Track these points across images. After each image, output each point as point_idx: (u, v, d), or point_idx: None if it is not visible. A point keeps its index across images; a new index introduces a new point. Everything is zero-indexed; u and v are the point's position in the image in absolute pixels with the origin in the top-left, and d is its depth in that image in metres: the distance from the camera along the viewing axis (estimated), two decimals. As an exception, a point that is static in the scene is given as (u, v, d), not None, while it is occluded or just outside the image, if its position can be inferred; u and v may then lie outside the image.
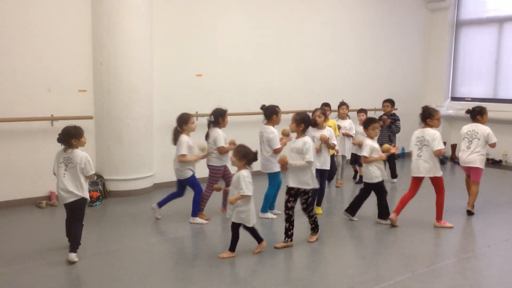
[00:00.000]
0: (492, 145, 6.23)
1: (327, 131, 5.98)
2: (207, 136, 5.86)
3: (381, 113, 8.42)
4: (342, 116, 7.77)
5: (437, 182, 5.75)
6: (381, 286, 4.07)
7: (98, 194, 6.56)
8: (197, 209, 5.78)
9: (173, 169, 5.78)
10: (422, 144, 5.71)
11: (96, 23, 6.67)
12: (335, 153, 6.86)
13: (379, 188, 5.81)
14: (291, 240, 5.04)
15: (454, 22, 11.06)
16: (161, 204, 5.86)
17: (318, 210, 6.17)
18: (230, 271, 4.45)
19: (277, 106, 5.94)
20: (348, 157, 7.94)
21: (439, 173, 5.70)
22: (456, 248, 5.18)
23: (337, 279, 4.22)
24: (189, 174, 5.67)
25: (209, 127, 5.87)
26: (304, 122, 5.00)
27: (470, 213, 6.28)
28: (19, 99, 6.25)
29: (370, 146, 5.72)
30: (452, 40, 11.12)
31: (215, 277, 4.26)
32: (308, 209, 5.10)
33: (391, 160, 8.05)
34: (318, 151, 5.74)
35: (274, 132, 5.78)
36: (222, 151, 5.75)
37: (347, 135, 7.59)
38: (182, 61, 7.56)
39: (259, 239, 4.85)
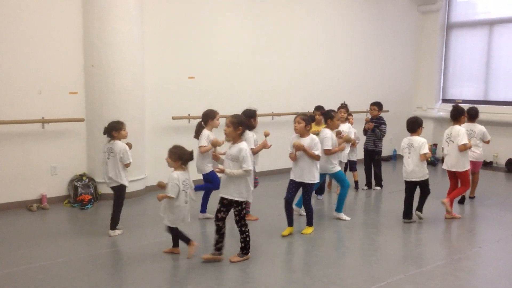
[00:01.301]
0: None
1: (309, 139, 5.32)
2: None
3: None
4: (340, 120, 7.29)
5: (462, 176, 6.24)
6: (374, 288, 4.09)
7: (90, 197, 6.53)
8: (206, 205, 5.92)
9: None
10: (449, 140, 6.27)
11: (87, 25, 6.64)
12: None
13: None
14: (220, 254, 4.62)
15: (445, 24, 11.15)
16: (204, 209, 5.98)
17: (308, 230, 5.51)
18: (219, 275, 4.44)
19: (334, 110, 6.26)
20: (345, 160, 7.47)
21: (464, 168, 6.19)
22: (448, 249, 5.20)
23: (329, 281, 4.23)
24: (209, 169, 5.80)
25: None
26: (242, 125, 4.59)
27: (472, 198, 7.12)
28: (10, 102, 6.21)
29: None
30: (443, 42, 11.20)
31: (208, 278, 4.25)
32: (239, 222, 4.60)
33: (376, 167, 7.73)
34: (293, 159, 5.36)
35: (327, 133, 5.89)
36: (253, 152, 5.67)
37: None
38: (174, 63, 7.54)
39: (187, 241, 4.68)
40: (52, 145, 6.60)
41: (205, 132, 5.80)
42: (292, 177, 5.42)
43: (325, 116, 6.14)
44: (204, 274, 4.33)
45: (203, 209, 6.03)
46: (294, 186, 5.41)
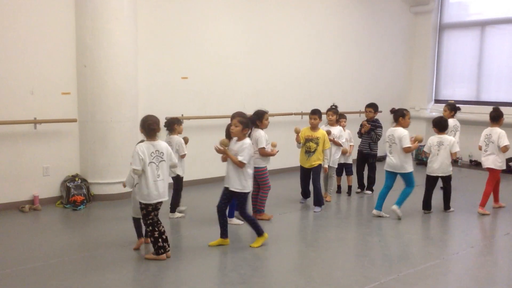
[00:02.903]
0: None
1: (239, 144, 4.94)
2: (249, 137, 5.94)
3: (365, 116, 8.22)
4: (330, 123, 7.09)
5: (494, 174, 6.58)
6: (367, 288, 4.10)
7: (83, 198, 6.50)
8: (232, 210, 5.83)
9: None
10: (489, 141, 6.55)
11: (80, 25, 6.61)
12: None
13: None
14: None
15: (437, 25, 11.21)
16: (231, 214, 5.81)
17: (256, 243, 5.07)
18: (206, 274, 4.43)
19: (406, 109, 6.28)
20: (335, 166, 7.09)
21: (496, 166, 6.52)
22: (440, 249, 5.22)
23: (323, 282, 4.24)
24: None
25: (251, 128, 5.91)
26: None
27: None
28: (2, 102, 6.16)
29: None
30: (435, 43, 11.26)
31: (202, 282, 4.25)
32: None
33: (371, 170, 7.49)
34: (223, 161, 5.10)
35: (404, 132, 6.05)
36: (262, 153, 5.80)
37: (335, 143, 6.89)
38: (168, 64, 7.53)
39: (138, 234, 4.95)
40: (45, 145, 6.56)
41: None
42: (224, 183, 5.07)
43: (396, 114, 6.18)
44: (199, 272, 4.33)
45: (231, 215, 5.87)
46: (225, 193, 5.02)
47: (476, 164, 10.02)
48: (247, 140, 4.91)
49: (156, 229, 4.62)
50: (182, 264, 4.63)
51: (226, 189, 4.99)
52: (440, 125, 6.48)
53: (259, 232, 5.08)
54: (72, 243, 5.19)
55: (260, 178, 5.90)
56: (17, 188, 6.39)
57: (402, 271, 4.46)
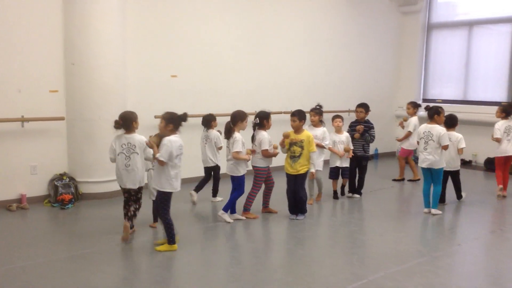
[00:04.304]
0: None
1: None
2: (253, 138, 6.04)
3: (354, 115, 7.90)
4: (312, 124, 6.73)
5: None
6: (355, 285, 4.12)
7: (71, 196, 6.46)
8: (230, 206, 5.88)
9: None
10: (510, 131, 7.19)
11: (68, 23, 6.56)
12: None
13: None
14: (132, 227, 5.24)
15: (426, 25, 11.28)
16: (227, 208, 5.87)
17: (163, 246, 4.89)
18: (196, 272, 4.44)
19: (440, 107, 6.38)
20: (320, 168, 6.71)
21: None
22: (428, 247, 5.27)
23: (312, 280, 4.26)
24: (241, 172, 5.84)
25: (254, 129, 6.05)
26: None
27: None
28: (-12, 100, 6.11)
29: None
30: (423, 42, 11.34)
31: (190, 278, 4.24)
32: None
33: (363, 173, 7.24)
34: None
35: (444, 130, 6.22)
36: (265, 155, 5.89)
37: (318, 146, 6.43)
38: (157, 62, 7.50)
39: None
40: (32, 144, 6.50)
41: (239, 136, 5.82)
42: None
43: (431, 111, 6.29)
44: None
45: (233, 210, 6.00)
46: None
47: (464, 163, 10.12)
48: (168, 137, 4.76)
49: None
50: (169, 262, 4.63)
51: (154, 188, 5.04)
52: (450, 121, 6.68)
53: (170, 240, 4.86)
54: (60, 242, 5.16)
55: (257, 177, 6.01)
56: (4, 187, 6.33)
57: (390, 269, 4.50)
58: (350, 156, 6.89)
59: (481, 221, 6.31)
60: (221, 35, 8.21)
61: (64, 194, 6.43)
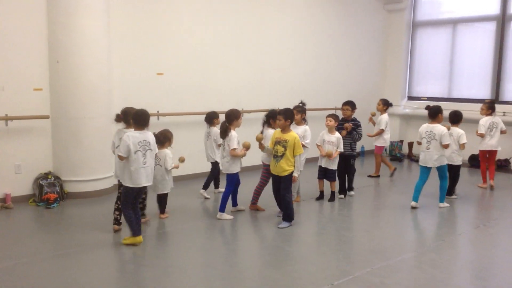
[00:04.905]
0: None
1: None
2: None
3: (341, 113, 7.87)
4: (296, 122, 6.41)
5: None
6: (341, 281, 4.15)
7: (56, 195, 6.40)
8: (224, 205, 5.91)
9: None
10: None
11: (52, 20, 6.50)
12: None
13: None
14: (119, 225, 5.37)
15: (411, 23, 11.38)
16: (223, 208, 5.92)
17: (128, 239, 4.97)
18: (185, 270, 4.44)
19: (439, 106, 6.50)
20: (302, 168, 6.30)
21: None
22: (413, 243, 5.33)
23: (299, 276, 4.28)
24: (236, 170, 5.88)
25: (263, 127, 6.14)
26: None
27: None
28: (-29, 98, 6.03)
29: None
30: (408, 40, 11.44)
31: (177, 277, 4.24)
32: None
33: (351, 173, 7.14)
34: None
35: (445, 129, 6.38)
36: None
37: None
38: (142, 60, 7.46)
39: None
40: (16, 142, 6.43)
41: (235, 134, 5.85)
42: None
43: (434, 111, 6.40)
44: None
45: (234, 203, 6.23)
46: None
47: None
48: (128, 133, 4.87)
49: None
50: (156, 261, 4.62)
51: None
52: (454, 118, 6.97)
53: (133, 232, 4.93)
54: (45, 242, 5.12)
55: (264, 173, 6.16)
56: (-12, 186, 6.26)
57: (376, 265, 4.54)
58: (332, 159, 6.64)
59: (465, 217, 6.40)
60: (207, 33, 8.19)
61: (49, 193, 6.37)
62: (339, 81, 10.46)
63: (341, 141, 6.75)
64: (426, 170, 6.51)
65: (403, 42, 11.37)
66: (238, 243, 5.16)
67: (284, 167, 5.57)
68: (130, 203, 4.89)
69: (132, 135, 4.78)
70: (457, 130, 6.88)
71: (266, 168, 6.14)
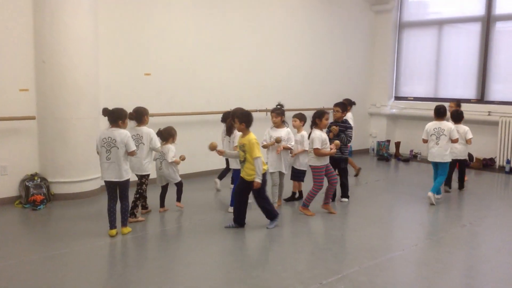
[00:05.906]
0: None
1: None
2: (309, 137, 6.21)
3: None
4: (275, 125, 6.37)
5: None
6: (330, 280, 4.17)
7: (42, 197, 6.34)
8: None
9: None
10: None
11: (39, 20, 6.44)
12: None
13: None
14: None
15: (397, 23, 11.47)
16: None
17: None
18: (179, 270, 4.42)
19: (445, 106, 6.88)
20: (286, 172, 6.52)
21: None
22: (400, 241, 5.37)
23: (287, 275, 4.28)
24: (238, 166, 5.84)
25: (311, 128, 6.15)
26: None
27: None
28: (-45, 99, 5.95)
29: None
30: (395, 41, 11.53)
31: (165, 278, 4.23)
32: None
33: (343, 176, 6.91)
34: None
35: (453, 125, 6.78)
36: (317, 154, 5.96)
37: (286, 148, 6.30)
38: (130, 60, 7.42)
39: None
40: (2, 144, 6.36)
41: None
42: None
43: (440, 110, 6.79)
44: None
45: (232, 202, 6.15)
46: None
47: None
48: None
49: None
50: (145, 262, 4.60)
51: None
52: (457, 116, 7.42)
53: (110, 226, 5.22)
54: (32, 243, 5.07)
55: (315, 176, 6.10)
56: (-27, 188, 6.18)
57: (364, 263, 4.57)
58: (293, 156, 6.49)
59: (452, 216, 6.45)
60: (194, 33, 8.17)
61: (35, 194, 6.31)
62: (326, 82, 10.50)
63: (305, 138, 6.43)
64: (436, 165, 6.92)
65: (390, 42, 11.45)
66: (226, 243, 5.14)
67: (248, 172, 5.36)
68: (109, 196, 5.23)
69: (100, 132, 5.22)
70: (462, 127, 7.33)
71: (315, 171, 6.08)
